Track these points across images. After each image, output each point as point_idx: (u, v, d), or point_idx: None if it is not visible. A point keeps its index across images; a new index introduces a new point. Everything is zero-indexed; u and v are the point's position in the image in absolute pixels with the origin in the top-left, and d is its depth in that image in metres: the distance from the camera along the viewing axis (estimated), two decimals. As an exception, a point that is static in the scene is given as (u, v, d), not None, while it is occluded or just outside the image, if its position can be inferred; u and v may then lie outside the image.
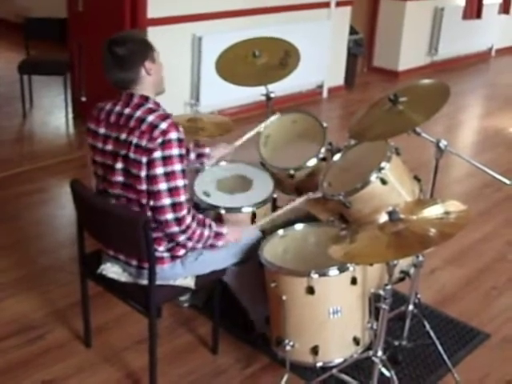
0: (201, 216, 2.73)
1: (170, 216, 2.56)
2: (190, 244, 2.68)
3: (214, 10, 5.94)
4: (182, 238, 2.64)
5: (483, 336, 3.36)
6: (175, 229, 2.59)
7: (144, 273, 2.70)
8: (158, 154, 2.49)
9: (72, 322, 3.28)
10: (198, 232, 2.66)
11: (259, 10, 6.31)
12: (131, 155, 2.53)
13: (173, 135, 2.51)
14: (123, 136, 2.56)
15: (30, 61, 6.16)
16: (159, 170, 2.50)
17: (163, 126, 2.51)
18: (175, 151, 2.52)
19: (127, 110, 2.60)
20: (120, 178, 2.61)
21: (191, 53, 5.91)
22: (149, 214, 2.60)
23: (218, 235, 2.76)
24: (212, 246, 2.76)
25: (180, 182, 2.54)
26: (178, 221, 2.58)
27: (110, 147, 2.62)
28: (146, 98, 2.62)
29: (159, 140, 2.49)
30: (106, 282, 2.84)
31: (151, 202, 2.56)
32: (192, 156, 3.24)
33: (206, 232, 2.71)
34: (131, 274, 2.77)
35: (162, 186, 2.52)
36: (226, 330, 3.22)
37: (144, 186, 2.55)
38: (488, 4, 8.74)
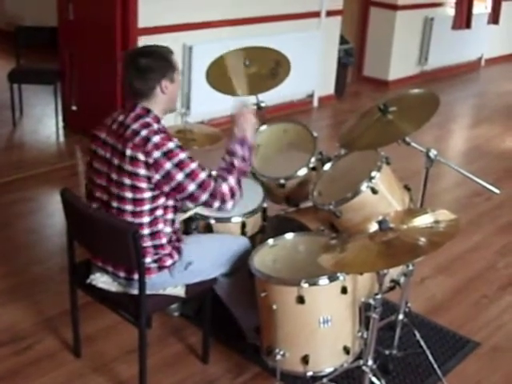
0: (219, 172, 2.77)
1: (204, 196, 2.63)
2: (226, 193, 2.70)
3: (204, 19, 5.94)
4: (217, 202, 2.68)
5: (473, 345, 3.36)
6: (203, 197, 2.65)
7: (133, 283, 2.70)
8: (168, 165, 2.55)
9: (61, 332, 3.27)
10: (228, 187, 2.68)
11: (249, 20, 6.32)
12: (127, 167, 2.57)
13: (171, 145, 2.57)
14: (119, 146, 2.61)
15: (21, 69, 6.13)
16: (177, 173, 2.57)
17: (156, 139, 2.56)
18: (182, 155, 2.59)
19: (128, 120, 2.64)
20: (114, 188, 2.64)
21: (182, 62, 5.90)
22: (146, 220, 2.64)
23: (242, 142, 2.78)
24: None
25: (193, 165, 2.60)
26: (212, 195, 2.64)
27: (108, 155, 2.66)
28: (147, 111, 2.65)
29: (157, 153, 2.54)
30: (96, 292, 2.83)
31: (178, 196, 2.63)
32: None
33: (237, 162, 2.76)
34: (121, 284, 2.77)
35: (179, 176, 2.57)
36: (216, 339, 3.21)
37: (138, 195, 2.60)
38: (477, 14, 8.79)
